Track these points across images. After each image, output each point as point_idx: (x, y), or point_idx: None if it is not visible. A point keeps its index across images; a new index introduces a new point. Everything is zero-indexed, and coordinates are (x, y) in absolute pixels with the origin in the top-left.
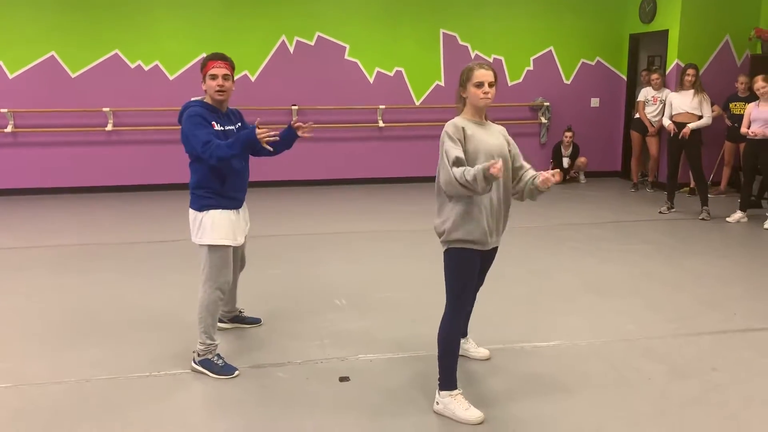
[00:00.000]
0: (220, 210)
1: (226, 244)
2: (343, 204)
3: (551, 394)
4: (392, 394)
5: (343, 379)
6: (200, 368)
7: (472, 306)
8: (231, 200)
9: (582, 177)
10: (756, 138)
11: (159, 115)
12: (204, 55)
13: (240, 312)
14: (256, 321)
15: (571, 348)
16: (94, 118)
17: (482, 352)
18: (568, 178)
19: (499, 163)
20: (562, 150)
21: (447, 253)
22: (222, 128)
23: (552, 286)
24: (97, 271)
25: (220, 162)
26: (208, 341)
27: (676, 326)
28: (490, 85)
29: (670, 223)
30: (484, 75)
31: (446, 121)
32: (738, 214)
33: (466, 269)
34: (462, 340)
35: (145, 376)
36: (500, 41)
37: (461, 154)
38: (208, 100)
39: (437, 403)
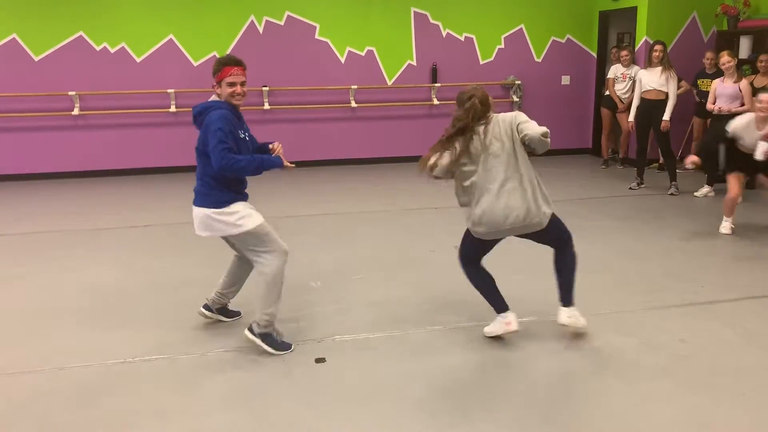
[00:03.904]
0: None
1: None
2: (315, 185)
3: (523, 369)
4: (368, 374)
5: (319, 360)
6: (259, 341)
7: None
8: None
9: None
10: (721, 114)
11: (127, 98)
12: (170, 37)
13: (227, 305)
14: (236, 314)
15: (543, 323)
16: (60, 102)
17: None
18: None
19: None
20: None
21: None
22: (245, 136)
23: (523, 262)
24: (67, 257)
25: (235, 174)
26: (273, 315)
27: (645, 299)
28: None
29: (639, 199)
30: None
31: (418, 101)
32: (705, 189)
33: None
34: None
35: (120, 363)
36: (471, 19)
37: None
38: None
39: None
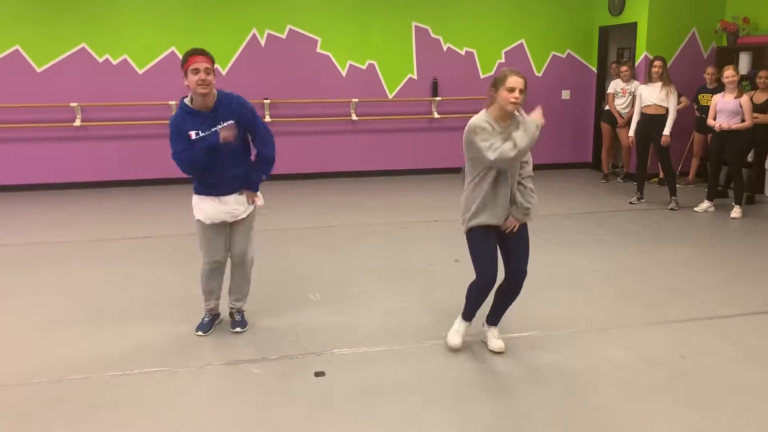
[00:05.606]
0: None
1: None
2: (315, 198)
3: (525, 383)
4: (367, 388)
5: (318, 374)
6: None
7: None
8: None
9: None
10: (722, 130)
11: (128, 110)
12: (172, 49)
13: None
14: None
15: (544, 338)
16: (62, 113)
17: (497, 343)
18: None
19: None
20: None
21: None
22: (199, 135)
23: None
24: (66, 268)
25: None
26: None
27: (645, 314)
28: (521, 91)
29: (639, 213)
30: (516, 81)
31: (419, 115)
32: (705, 204)
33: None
34: (484, 327)
35: (119, 375)
36: (472, 34)
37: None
38: (189, 99)
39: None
